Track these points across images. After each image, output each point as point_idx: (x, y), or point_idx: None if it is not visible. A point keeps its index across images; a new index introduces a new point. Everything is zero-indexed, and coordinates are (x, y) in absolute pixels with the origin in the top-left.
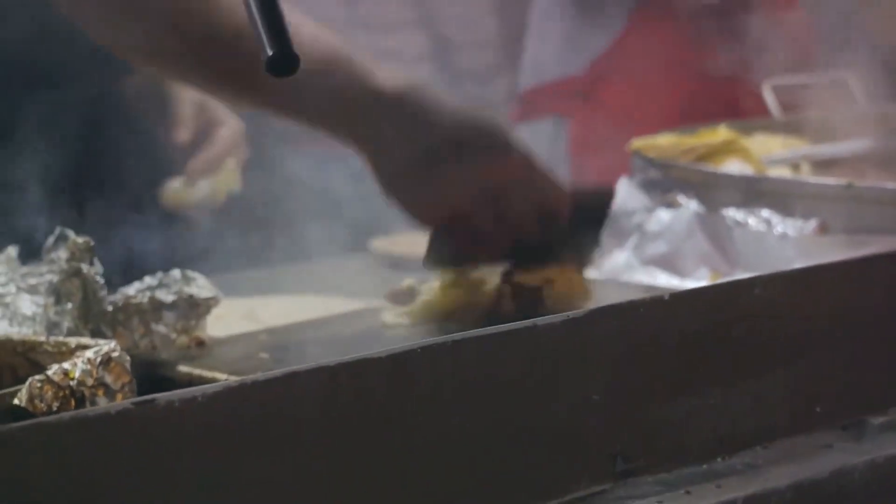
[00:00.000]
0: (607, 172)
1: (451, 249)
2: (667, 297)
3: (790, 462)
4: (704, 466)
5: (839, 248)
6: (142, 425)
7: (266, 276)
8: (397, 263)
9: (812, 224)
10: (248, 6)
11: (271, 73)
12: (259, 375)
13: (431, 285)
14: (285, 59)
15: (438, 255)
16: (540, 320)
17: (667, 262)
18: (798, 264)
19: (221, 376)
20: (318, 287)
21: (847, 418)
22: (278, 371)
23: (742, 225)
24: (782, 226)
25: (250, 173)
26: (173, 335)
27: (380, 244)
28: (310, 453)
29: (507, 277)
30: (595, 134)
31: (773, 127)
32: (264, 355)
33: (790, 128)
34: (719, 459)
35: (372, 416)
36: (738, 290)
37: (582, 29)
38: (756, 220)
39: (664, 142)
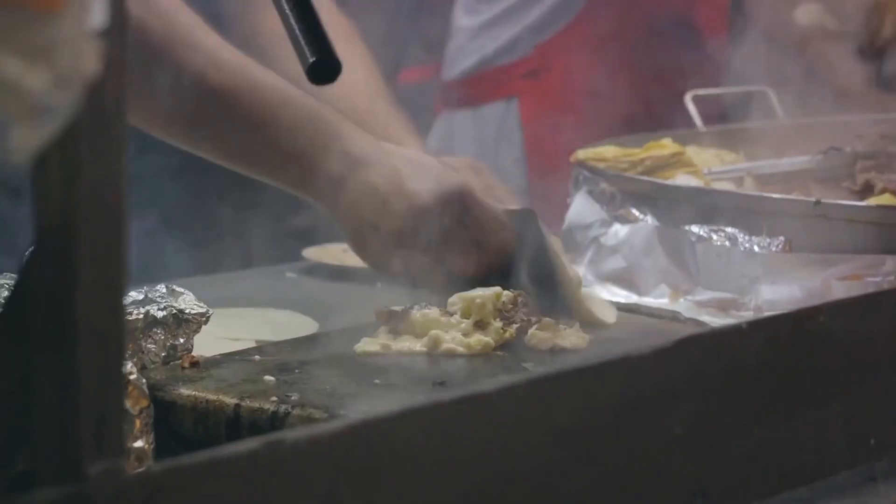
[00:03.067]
0: (561, 152)
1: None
2: (745, 326)
3: (849, 496)
4: (772, 501)
5: (807, 267)
6: (270, 465)
7: (203, 286)
8: (331, 273)
9: (779, 241)
10: (283, 14)
11: (313, 80)
12: (379, 412)
13: (427, 314)
14: (328, 65)
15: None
16: (631, 351)
17: (624, 279)
18: (765, 282)
19: (231, 400)
20: (260, 299)
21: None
22: (395, 408)
23: (705, 240)
24: (748, 242)
25: (181, 181)
26: (162, 354)
27: (312, 253)
28: (428, 486)
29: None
30: (547, 111)
31: (698, 138)
32: (269, 378)
33: (716, 139)
34: (784, 493)
35: (483, 445)
36: (804, 319)
37: (532, 14)
38: (719, 236)
39: (609, 153)
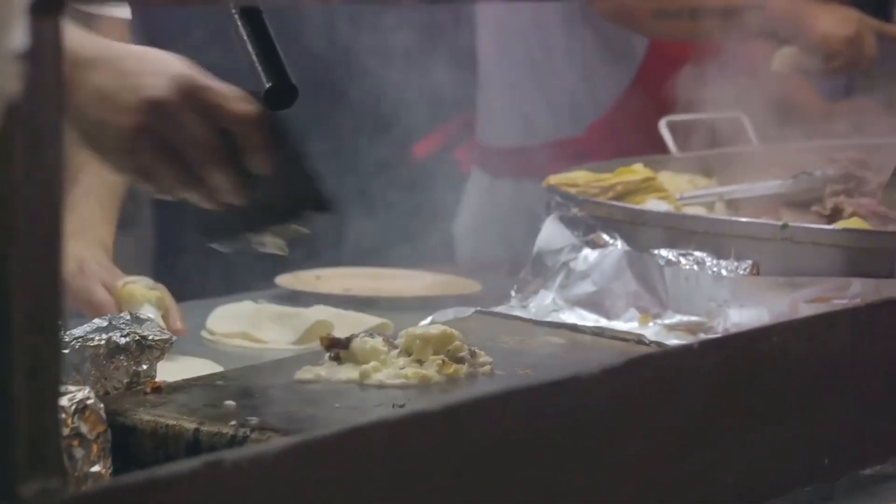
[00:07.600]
0: None
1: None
2: (696, 346)
3: None
4: None
5: (774, 290)
6: (210, 485)
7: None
8: (304, 300)
9: (747, 264)
10: (240, 40)
11: (270, 105)
12: (324, 431)
13: (366, 342)
14: (284, 90)
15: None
16: (582, 371)
17: (594, 303)
18: (733, 306)
19: (190, 425)
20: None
21: (851, 469)
22: (342, 426)
23: (674, 264)
24: (716, 266)
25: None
26: (125, 380)
27: (285, 280)
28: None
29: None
30: None
31: (671, 163)
32: (230, 402)
33: (689, 165)
34: None
35: (428, 465)
36: (757, 339)
37: (585, 90)
38: (688, 260)
39: (581, 178)
